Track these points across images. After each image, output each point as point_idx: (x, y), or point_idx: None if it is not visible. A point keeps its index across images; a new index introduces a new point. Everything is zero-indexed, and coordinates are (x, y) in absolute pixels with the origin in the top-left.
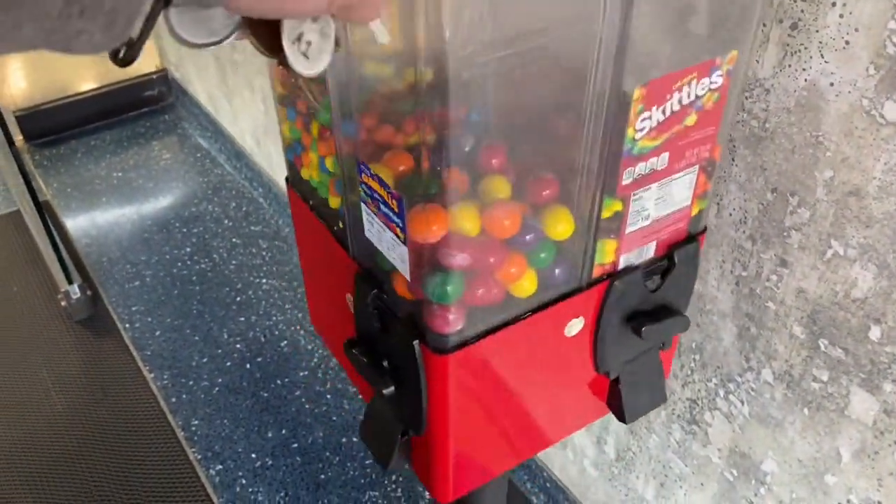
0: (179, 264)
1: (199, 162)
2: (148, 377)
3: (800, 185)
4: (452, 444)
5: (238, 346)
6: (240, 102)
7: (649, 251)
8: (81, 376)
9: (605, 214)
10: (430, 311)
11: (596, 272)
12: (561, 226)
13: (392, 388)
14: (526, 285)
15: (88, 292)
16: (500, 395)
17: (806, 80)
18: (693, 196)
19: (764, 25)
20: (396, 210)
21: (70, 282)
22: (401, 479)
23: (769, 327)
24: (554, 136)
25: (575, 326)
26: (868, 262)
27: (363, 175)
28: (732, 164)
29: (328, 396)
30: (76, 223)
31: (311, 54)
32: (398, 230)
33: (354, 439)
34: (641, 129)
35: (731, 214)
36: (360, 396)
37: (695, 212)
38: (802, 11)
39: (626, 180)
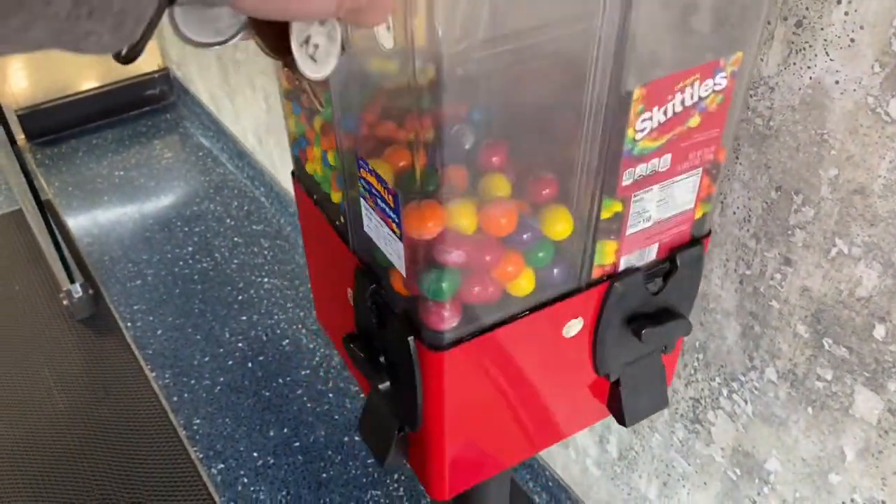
0: (181, 263)
1: (200, 161)
2: (149, 376)
3: (804, 184)
4: (448, 441)
5: (240, 344)
6: (242, 101)
7: (651, 253)
8: (83, 375)
9: (605, 215)
10: (425, 308)
11: (596, 273)
12: (559, 225)
13: (388, 384)
14: (523, 284)
15: (90, 291)
16: (497, 393)
17: (811, 77)
18: (696, 199)
19: (768, 23)
20: (393, 206)
21: (72, 281)
22: (403, 478)
23: (773, 326)
24: (553, 134)
25: (574, 327)
26: (873, 260)
27: (362, 170)
28: (736, 161)
29: (330, 395)
30: (78, 222)
31: (318, 57)
32: (394, 226)
33: (356, 438)
34: (642, 130)
35: (734, 213)
36: (363, 395)
37: (698, 215)
38: (807, 9)
39: (626, 181)
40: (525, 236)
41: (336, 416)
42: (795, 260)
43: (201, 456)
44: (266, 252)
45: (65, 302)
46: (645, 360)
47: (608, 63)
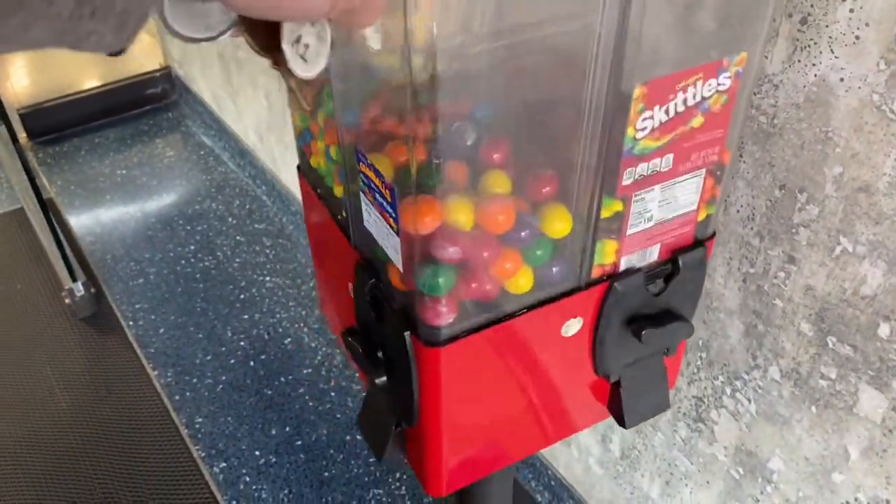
0: (183, 262)
1: (202, 160)
2: (151, 375)
3: (808, 182)
4: (444, 437)
5: (242, 343)
6: (243, 100)
7: (653, 254)
8: (85, 374)
9: (605, 214)
10: (421, 303)
11: (595, 272)
12: (558, 224)
13: (384, 378)
14: (522, 282)
15: (92, 290)
16: (495, 391)
17: (815, 75)
18: (700, 200)
19: (773, 20)
20: (390, 200)
21: (74, 279)
22: (405, 476)
23: (776, 325)
24: (552, 132)
25: (573, 326)
26: (877, 258)
27: (361, 164)
28: (740, 160)
29: (332, 394)
30: (80, 221)
31: (308, 57)
32: (392, 220)
33: (358, 437)
34: (643, 129)
35: (738, 211)
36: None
37: (701, 217)
38: (812, 6)
39: (626, 180)
40: (523, 234)
41: (338, 415)
42: (799, 258)
43: (203, 455)
44: (268, 251)
45: (67, 300)
46: (646, 362)
47: (607, 61)
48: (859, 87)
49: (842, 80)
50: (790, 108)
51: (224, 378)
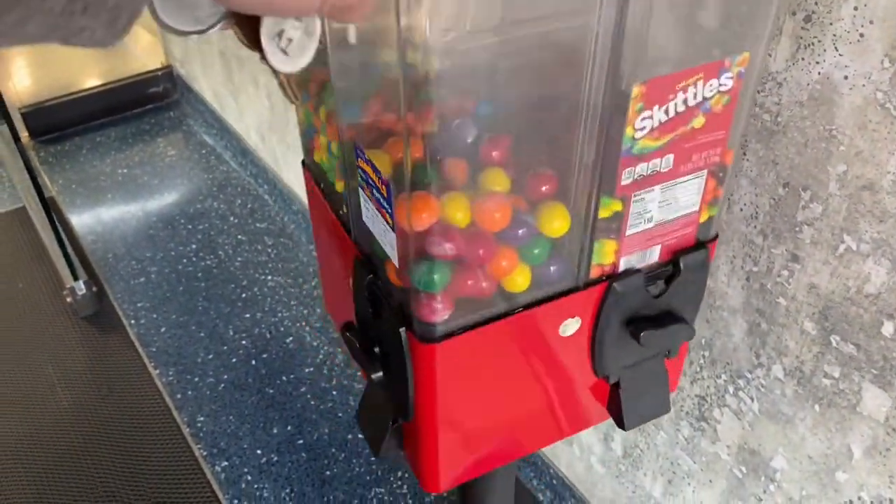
0: (185, 261)
1: (204, 159)
2: (153, 373)
3: (812, 180)
4: (440, 434)
5: (243, 342)
6: (245, 99)
7: (653, 255)
8: (87, 373)
9: (604, 214)
10: (417, 300)
11: (594, 273)
12: (556, 222)
13: (380, 374)
14: (519, 281)
15: (94, 289)
16: (492, 389)
17: (819, 73)
18: (702, 202)
19: (777, 19)
20: (386, 196)
21: (75, 278)
22: (407, 475)
23: (780, 323)
24: (549, 130)
25: (571, 326)
26: (881, 256)
27: (359, 160)
28: (744, 158)
29: (334, 393)
30: (81, 220)
31: (291, 51)
32: (388, 216)
33: (360, 436)
34: (642, 129)
35: (741, 209)
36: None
37: (703, 218)
38: (816, 4)
39: (625, 180)
40: (520, 232)
41: (340, 414)
42: (803, 257)
43: (205, 453)
44: (269, 250)
45: (68, 299)
46: (646, 364)
47: (605, 59)
48: (863, 85)
49: (846, 77)
50: (794, 105)
51: (226, 377)
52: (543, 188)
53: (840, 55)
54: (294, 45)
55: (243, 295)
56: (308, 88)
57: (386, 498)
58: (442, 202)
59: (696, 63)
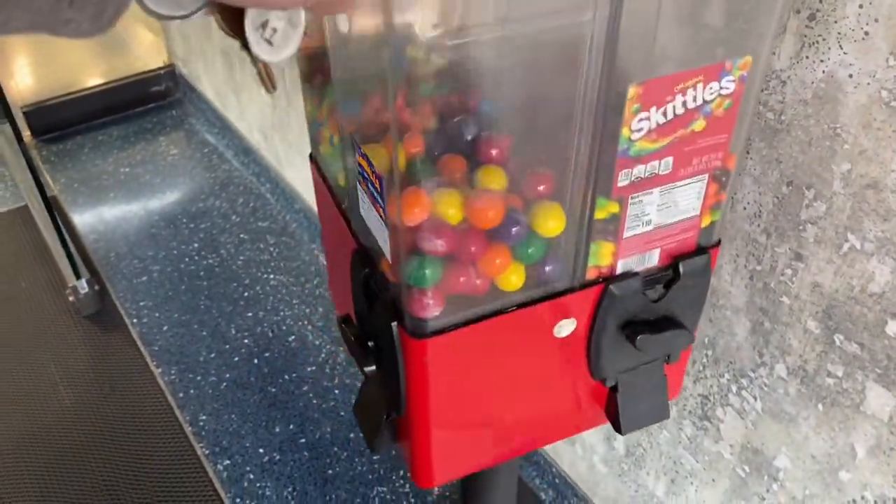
0: (187, 259)
1: (206, 157)
2: (155, 372)
3: (816, 178)
4: (433, 429)
5: (246, 341)
6: (247, 98)
7: (652, 259)
8: (89, 371)
9: (601, 215)
10: (409, 295)
11: (591, 274)
12: (551, 222)
13: (373, 367)
14: (513, 279)
15: (96, 287)
16: (485, 386)
17: (824, 71)
18: (703, 206)
19: (781, 16)
20: (379, 190)
21: (78, 277)
22: (409, 474)
23: (783, 322)
24: (543, 129)
25: (566, 327)
26: (886, 255)
27: (357, 154)
28: (747, 156)
29: (336, 392)
30: (84, 218)
31: (275, 41)
32: (381, 210)
33: (362, 435)
34: (639, 130)
35: (745, 208)
36: None
37: (705, 223)
38: (821, 2)
39: (622, 182)
40: (514, 230)
41: (342, 413)
42: (807, 255)
43: (207, 452)
44: (272, 248)
45: (70, 298)
46: (645, 369)
47: (600, 58)
48: (868, 84)
49: (850, 76)
50: (798, 104)
51: (228, 375)
52: (540, 187)
53: (845, 53)
54: (278, 36)
55: (245, 294)
56: (313, 82)
57: (388, 497)
58: (434, 198)
59: (696, 65)
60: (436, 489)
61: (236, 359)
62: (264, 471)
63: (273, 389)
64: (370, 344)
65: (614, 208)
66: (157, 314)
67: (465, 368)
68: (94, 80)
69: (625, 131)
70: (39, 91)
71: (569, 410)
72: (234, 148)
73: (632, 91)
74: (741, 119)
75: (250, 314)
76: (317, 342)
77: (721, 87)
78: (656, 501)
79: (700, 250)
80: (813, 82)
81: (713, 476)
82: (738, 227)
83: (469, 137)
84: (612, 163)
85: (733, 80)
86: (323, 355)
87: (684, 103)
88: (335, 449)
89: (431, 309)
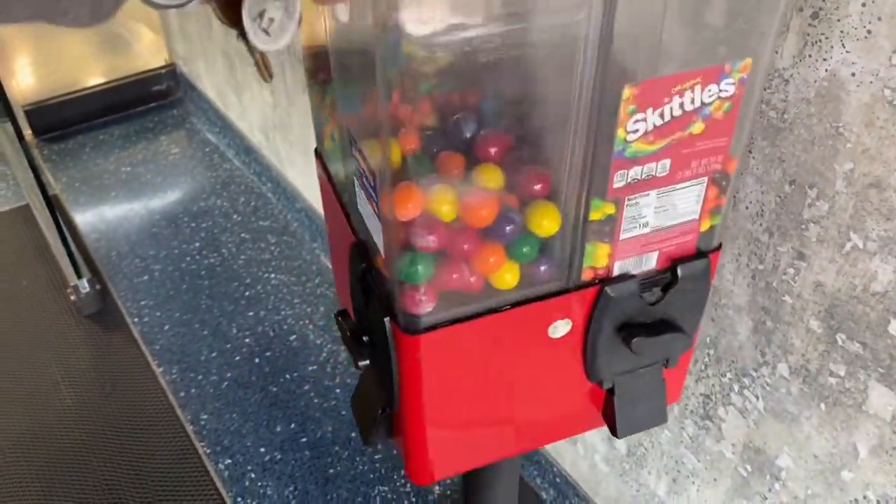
0: (188, 259)
1: (207, 157)
2: (157, 371)
3: (819, 177)
4: (426, 425)
5: (247, 340)
6: (248, 97)
7: (650, 262)
8: (90, 370)
9: (596, 216)
10: (401, 290)
11: (587, 275)
12: (546, 222)
13: (367, 361)
14: (507, 278)
15: (97, 287)
16: (479, 384)
17: (826, 70)
18: (702, 210)
19: (784, 16)
20: (373, 185)
21: (79, 276)
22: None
23: (785, 321)
24: (542, 128)
25: (561, 328)
26: (888, 255)
27: (353, 149)
28: (749, 155)
29: (337, 391)
30: (85, 218)
31: (272, 31)
32: (374, 205)
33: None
34: (635, 132)
35: (747, 207)
36: None
37: (705, 227)
38: (824, 0)
39: (618, 183)
40: (508, 229)
41: (343, 412)
42: (809, 255)
43: (208, 451)
44: (273, 248)
45: (72, 297)
46: (642, 372)
47: (593, 58)
48: (871, 82)
49: (853, 74)
50: (800, 103)
51: (229, 375)
52: (536, 187)
53: (847, 52)
54: (275, 25)
55: (247, 293)
56: (317, 78)
57: (389, 496)
58: (428, 194)
59: (693, 66)
60: (437, 488)
61: (237, 358)
62: (265, 470)
63: (274, 389)
64: (365, 339)
65: (610, 209)
66: (158, 313)
67: (458, 365)
68: (95, 79)
69: (620, 132)
70: (41, 90)
71: (565, 411)
72: (235, 147)
73: (627, 92)
74: (741, 122)
75: (251, 313)
76: (318, 341)
77: (720, 90)
78: (658, 501)
79: (700, 254)
80: (816, 81)
81: (715, 475)
82: (741, 226)
83: (468, 135)
84: (607, 163)
85: (733, 83)
86: (324, 354)
87: (682, 105)
88: (336, 448)
89: (424, 305)
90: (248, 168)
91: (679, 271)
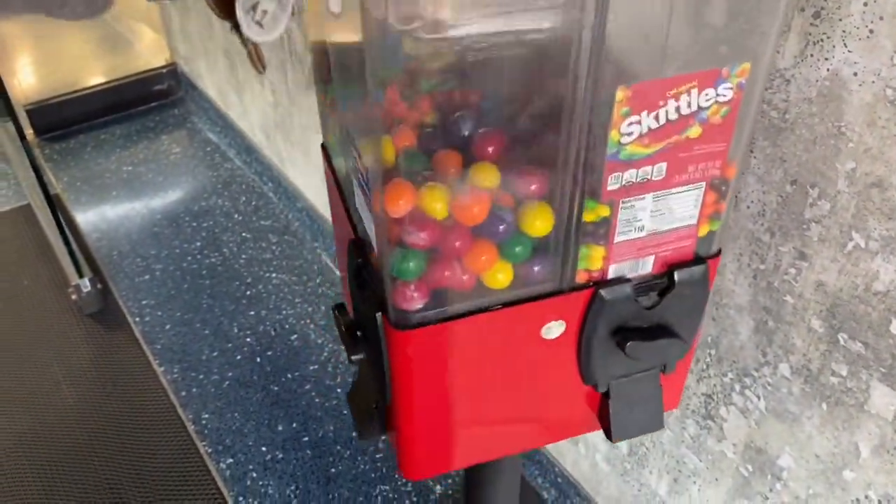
0: (189, 258)
1: (208, 156)
2: (158, 371)
3: (820, 177)
4: (416, 421)
5: (248, 339)
6: (249, 97)
7: (646, 266)
8: (92, 370)
9: (590, 218)
10: (393, 286)
11: (581, 277)
12: (539, 222)
13: (361, 355)
14: (500, 277)
15: (99, 286)
16: (472, 382)
17: (828, 69)
18: (700, 215)
19: (785, 15)
20: (367, 181)
21: (80, 275)
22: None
23: (787, 321)
24: (537, 128)
25: (554, 329)
26: (890, 254)
27: (350, 145)
28: (751, 155)
29: (338, 390)
30: (86, 217)
31: (265, 23)
32: (367, 201)
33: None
34: (629, 134)
35: (749, 207)
36: None
37: (703, 232)
38: (826, 0)
39: (612, 185)
40: (500, 228)
41: (344, 411)
42: (810, 254)
43: (210, 450)
44: (274, 247)
45: (73, 297)
46: (639, 377)
47: (586, 59)
48: (873, 82)
49: (855, 74)
50: (802, 102)
51: (230, 374)
52: (531, 187)
53: (849, 52)
54: (268, 17)
55: (248, 292)
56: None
57: (390, 495)
58: (420, 191)
59: (689, 69)
60: (438, 487)
61: (239, 357)
62: (267, 469)
63: (276, 388)
64: (359, 333)
65: (604, 212)
66: (159, 313)
67: (448, 363)
68: (96, 78)
69: (614, 134)
70: (42, 90)
71: (562, 413)
72: (236, 147)
73: (620, 94)
74: (740, 127)
75: (253, 313)
76: (319, 341)
77: (717, 94)
78: (659, 500)
79: (698, 260)
80: (817, 80)
81: (716, 475)
82: (742, 225)
83: (465, 133)
84: (601, 165)
85: (731, 88)
86: (325, 354)
87: (678, 109)
88: (338, 447)
89: (414, 301)
90: (250, 167)
91: (676, 276)
